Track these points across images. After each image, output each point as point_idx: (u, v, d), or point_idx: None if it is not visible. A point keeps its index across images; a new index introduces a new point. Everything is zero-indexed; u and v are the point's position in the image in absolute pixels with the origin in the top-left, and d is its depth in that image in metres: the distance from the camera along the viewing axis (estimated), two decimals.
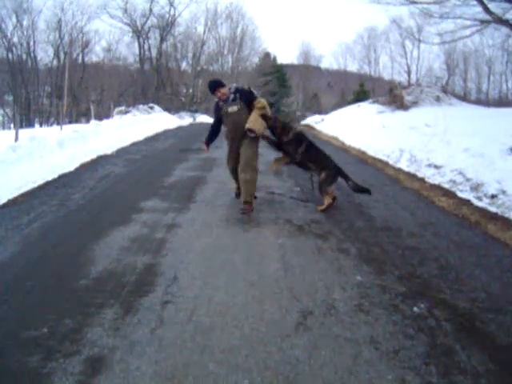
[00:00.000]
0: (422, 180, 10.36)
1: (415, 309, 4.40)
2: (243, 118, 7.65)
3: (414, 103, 23.79)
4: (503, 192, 8.21)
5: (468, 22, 16.87)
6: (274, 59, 67.27)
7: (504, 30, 27.55)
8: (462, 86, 66.77)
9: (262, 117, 7.64)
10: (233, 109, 7.77)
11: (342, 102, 50.85)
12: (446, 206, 8.21)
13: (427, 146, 12.40)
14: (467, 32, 24.91)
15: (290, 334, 3.93)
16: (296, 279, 4.99)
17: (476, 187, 8.76)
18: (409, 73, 66.71)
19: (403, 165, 12.08)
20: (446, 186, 9.47)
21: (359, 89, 49.96)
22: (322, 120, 29.90)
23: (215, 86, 7.84)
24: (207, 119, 40.58)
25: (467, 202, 8.28)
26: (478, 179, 8.95)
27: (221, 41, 64.60)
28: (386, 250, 5.98)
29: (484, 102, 53.36)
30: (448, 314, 4.34)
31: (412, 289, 4.84)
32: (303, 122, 34.57)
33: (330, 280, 5.02)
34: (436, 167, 10.69)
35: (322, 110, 51.92)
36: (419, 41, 42.10)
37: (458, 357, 3.67)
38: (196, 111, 48.85)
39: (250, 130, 7.50)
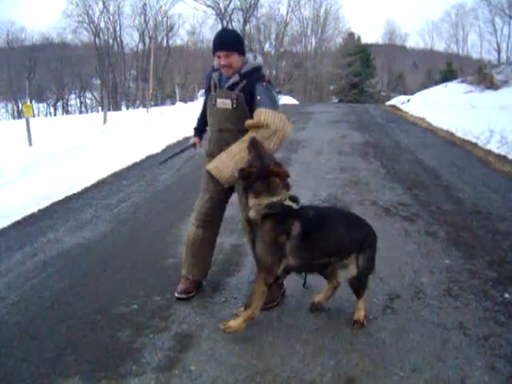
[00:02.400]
0: None
1: (506, 295, 4.27)
2: (238, 124, 4.03)
3: (505, 82, 22.94)
4: None
5: None
6: (358, 39, 66.25)
7: None
8: None
9: (247, 145, 3.69)
10: (224, 103, 4.07)
11: (428, 82, 49.72)
12: None
13: None
14: None
15: (377, 317, 3.91)
16: (383, 262, 4.90)
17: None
18: (499, 51, 64.27)
19: (493, 146, 11.68)
20: None
21: (446, 68, 48.70)
22: (408, 101, 29.35)
23: (228, 43, 3.99)
24: (291, 100, 40.42)
25: None
26: None
27: (304, 21, 64.22)
28: (475, 233, 5.83)
29: None
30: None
31: (503, 274, 4.70)
32: (388, 103, 34.01)
33: (417, 263, 4.94)
34: None
35: (407, 91, 50.83)
36: (510, 17, 40.48)
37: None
38: (279, 92, 48.77)
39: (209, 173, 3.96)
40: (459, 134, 14.35)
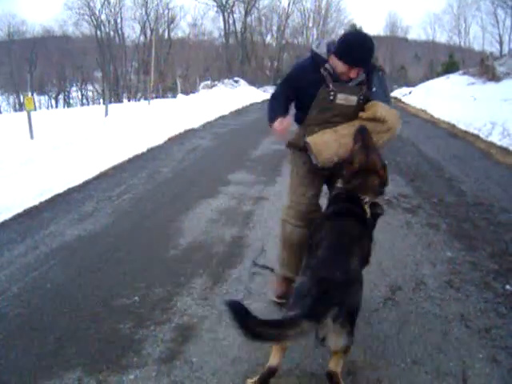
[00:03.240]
0: None
1: (508, 287, 4.27)
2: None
3: (507, 74, 22.87)
4: None
5: None
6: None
7: None
8: None
9: (355, 132, 3.43)
10: (348, 100, 3.59)
11: (430, 74, 49.64)
12: None
13: None
14: None
15: (378, 309, 3.91)
16: (384, 254, 4.94)
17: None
18: (501, 43, 63.99)
19: (495, 139, 11.66)
20: None
21: (448, 60, 48.43)
22: (410, 92, 29.35)
23: (365, 61, 3.47)
24: None
25: None
26: None
27: (305, 13, 64.03)
28: (477, 225, 5.83)
29: None
30: None
31: (504, 266, 4.69)
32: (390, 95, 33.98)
33: (419, 255, 4.95)
34: None
35: (409, 83, 50.71)
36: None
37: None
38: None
39: (308, 146, 3.62)
40: (461, 126, 14.33)
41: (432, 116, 18.04)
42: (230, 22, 60.20)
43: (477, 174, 8.40)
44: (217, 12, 60.82)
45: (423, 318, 3.77)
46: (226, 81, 39.36)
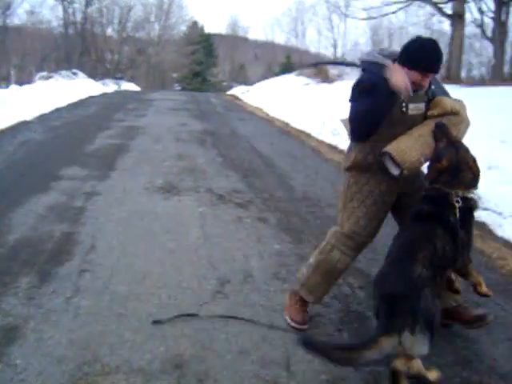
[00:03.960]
0: (342, 152, 10.49)
1: None
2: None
3: (339, 76, 24.11)
4: None
5: None
6: (202, 28, 66.49)
7: (428, 8, 28.28)
8: None
9: (434, 129, 3.30)
10: (417, 108, 3.43)
11: (269, 74, 50.93)
12: None
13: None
14: (393, 8, 25.42)
15: (208, 302, 3.95)
16: (215, 248, 5.01)
17: None
18: (335, 47, 67.21)
19: (326, 137, 12.21)
20: None
21: (285, 61, 50.17)
22: (248, 91, 29.87)
23: (439, 66, 3.35)
24: (133, 87, 39.79)
25: None
26: None
27: (148, 7, 63.20)
28: (305, 219, 6.09)
29: None
30: (362, 282, 4.46)
31: None
32: (229, 93, 34.47)
33: (248, 249, 5.07)
34: None
35: (248, 81, 51.79)
36: (346, 16, 42.50)
37: (369, 323, 3.76)
38: (121, 78, 47.70)
39: (387, 157, 3.32)
40: (294, 125, 14.85)
41: (268, 114, 18.52)
42: (70, 11, 58.01)
43: (306, 171, 8.76)
44: (56, 1, 58.37)
45: (250, 310, 3.86)
46: (63, 72, 37.77)
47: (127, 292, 4.06)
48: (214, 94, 36.61)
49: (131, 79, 49.26)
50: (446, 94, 3.50)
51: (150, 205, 6.36)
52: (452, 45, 23.52)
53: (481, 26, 28.27)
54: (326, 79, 23.90)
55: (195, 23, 66.09)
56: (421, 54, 3.22)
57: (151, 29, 64.08)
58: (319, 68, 26.19)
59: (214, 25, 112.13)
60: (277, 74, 39.08)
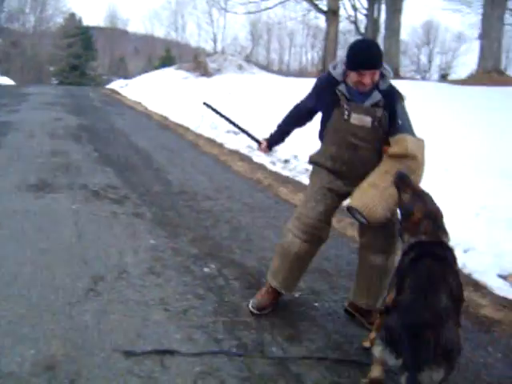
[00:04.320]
0: (221, 145, 10.65)
1: (206, 269, 4.54)
2: (376, 141, 3.59)
3: (218, 70, 24.36)
4: (295, 157, 8.71)
5: None
6: (80, 20, 64.53)
7: (305, 4, 29.08)
8: (266, 56, 69.46)
9: (395, 180, 3.25)
10: (361, 120, 3.54)
11: (149, 67, 50.46)
12: (242, 171, 8.52)
13: (227, 112, 12.71)
14: (270, 4, 25.92)
15: (80, 301, 3.86)
16: (89, 245, 4.91)
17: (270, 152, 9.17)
18: (215, 41, 67.68)
19: (204, 130, 12.31)
20: (244, 151, 9.83)
21: (165, 54, 49.79)
22: (127, 85, 29.48)
23: (378, 62, 3.40)
24: (7, 81, 37.99)
25: (262, 167, 8.67)
26: None
27: None
28: (181, 213, 6.09)
29: (285, 72, 56.06)
30: (237, 273, 4.52)
31: (204, 250, 4.98)
32: (108, 86, 33.78)
33: (123, 245, 4.99)
34: (235, 133, 11.02)
35: (129, 75, 51.03)
36: (225, 10, 42.86)
37: (243, 313, 3.83)
38: None
39: (355, 211, 3.45)
40: (173, 118, 14.85)
41: (147, 108, 18.39)
42: None
43: (184, 164, 8.78)
44: None
45: (124, 306, 3.81)
46: None
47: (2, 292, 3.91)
48: (93, 88, 35.83)
49: (5, 73, 47.10)
50: (410, 130, 3.49)
51: (21, 204, 6.10)
52: (327, 40, 24.31)
53: (355, 22, 29.46)
54: (205, 73, 24.02)
55: (72, 15, 64.06)
56: (351, 54, 3.42)
57: (26, 20, 61.69)
58: (198, 61, 26.26)
59: (92, 17, 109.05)
60: (156, 68, 38.76)
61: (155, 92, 21.31)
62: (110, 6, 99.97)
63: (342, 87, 3.56)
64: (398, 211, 3.37)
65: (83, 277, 4.25)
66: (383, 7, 25.38)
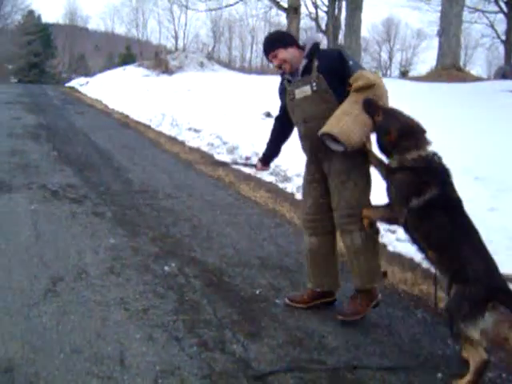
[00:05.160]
0: (182, 143, 10.63)
1: (166, 268, 4.52)
2: (323, 110, 3.66)
3: (179, 68, 24.33)
4: (256, 154, 8.72)
5: None
6: (39, 18, 63.55)
7: (266, 1, 29.14)
8: (227, 53, 69.45)
9: (364, 106, 3.45)
10: (302, 92, 3.74)
11: (110, 65, 49.99)
12: (203, 168, 8.49)
13: (188, 110, 12.73)
14: (231, 1, 25.93)
15: (38, 302, 3.82)
16: (47, 246, 4.86)
17: (232, 150, 9.19)
18: (176, 38, 67.47)
19: (165, 128, 12.27)
20: (205, 148, 9.84)
21: (126, 52, 49.38)
22: (87, 83, 29.22)
23: (269, 45, 3.85)
24: None
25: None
26: (234, 142, 9.41)
27: None
28: (141, 212, 6.07)
29: (247, 69, 56.14)
30: (197, 271, 4.51)
31: (164, 249, 4.96)
32: (68, 85, 33.39)
33: (82, 245, 4.95)
34: (196, 131, 11.04)
35: (88, 73, 50.47)
36: (186, 7, 42.71)
37: (204, 311, 3.83)
38: None
39: (330, 137, 3.51)
40: (133, 116, 14.77)
41: (107, 106, 18.25)
42: None
43: (145, 163, 8.74)
44: None
45: (83, 307, 3.78)
46: None
47: None
48: (52, 86, 35.31)
49: None
50: (362, 68, 3.69)
51: None
52: None
53: (315, 19, 29.61)
54: (166, 71, 23.92)
55: (31, 12, 63.03)
56: None
57: None
58: (159, 58, 26.13)
59: (51, 14, 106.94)
60: (117, 66, 38.43)
61: (116, 90, 21.15)
62: (70, 3, 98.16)
63: (286, 76, 3.89)
64: (375, 135, 3.52)
65: (42, 278, 4.21)
66: (344, 4, 25.59)
